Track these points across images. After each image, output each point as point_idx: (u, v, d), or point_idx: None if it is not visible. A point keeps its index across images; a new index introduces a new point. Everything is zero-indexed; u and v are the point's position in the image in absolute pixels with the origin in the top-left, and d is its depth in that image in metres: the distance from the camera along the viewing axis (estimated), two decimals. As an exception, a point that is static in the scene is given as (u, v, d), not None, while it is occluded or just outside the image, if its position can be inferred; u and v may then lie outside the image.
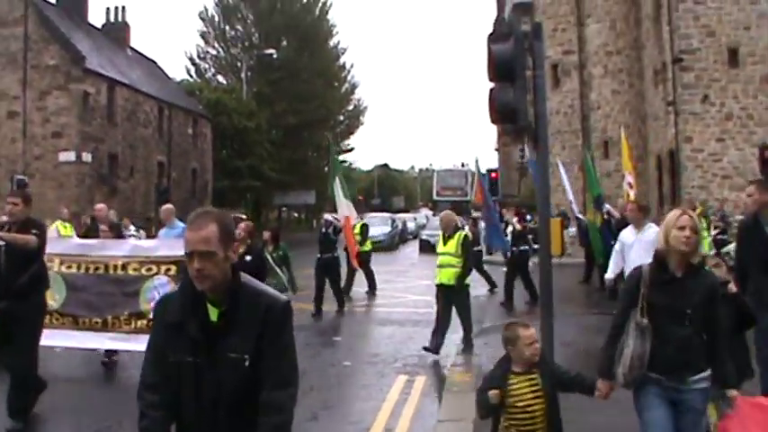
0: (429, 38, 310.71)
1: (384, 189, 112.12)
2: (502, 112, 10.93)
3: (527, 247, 20.35)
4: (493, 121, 11.78)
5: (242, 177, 54.94)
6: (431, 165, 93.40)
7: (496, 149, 76.55)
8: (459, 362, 12.33)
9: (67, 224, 21.10)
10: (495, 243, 21.59)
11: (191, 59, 67.99)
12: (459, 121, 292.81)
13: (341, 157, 77.13)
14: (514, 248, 19.94)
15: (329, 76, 69.86)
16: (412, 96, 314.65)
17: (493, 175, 37.44)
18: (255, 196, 62.22)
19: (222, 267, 3.64)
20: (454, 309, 13.24)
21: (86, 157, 39.04)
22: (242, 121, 55.39)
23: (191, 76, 66.35)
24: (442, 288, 13.25)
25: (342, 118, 75.38)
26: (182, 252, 3.67)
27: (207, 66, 68.48)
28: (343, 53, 73.78)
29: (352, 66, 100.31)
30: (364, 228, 23.31)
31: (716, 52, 33.17)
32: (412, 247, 47.02)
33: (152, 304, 10.62)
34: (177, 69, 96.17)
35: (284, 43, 66.22)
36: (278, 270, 13.63)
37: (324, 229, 19.28)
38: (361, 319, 18.47)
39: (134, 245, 12.41)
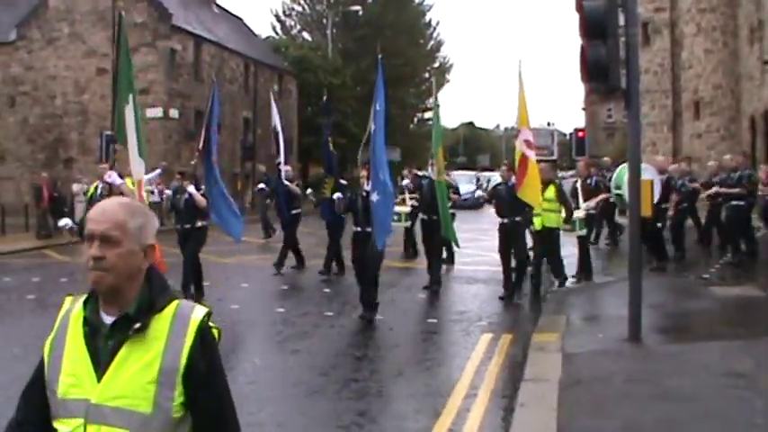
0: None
1: (469, 147, 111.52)
2: (593, 71, 10.73)
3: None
4: (583, 80, 11.53)
5: (326, 134, 55.09)
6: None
7: (583, 109, 75.62)
8: (545, 322, 12.22)
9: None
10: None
11: (276, 16, 68.21)
12: (546, 79, 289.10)
13: (426, 115, 75.95)
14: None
15: (414, 34, 69.52)
16: (499, 54, 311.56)
17: (580, 134, 36.78)
18: (341, 153, 62.21)
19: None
20: None
21: (173, 113, 39.74)
22: (327, 78, 55.51)
23: (276, 33, 66.66)
24: None
25: (427, 75, 74.99)
26: None
27: (292, 22, 68.65)
28: (428, 10, 73.39)
29: (437, 23, 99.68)
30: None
31: (817, 8, 31.97)
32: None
33: None
34: (263, 26, 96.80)
35: (369, 0, 66.04)
36: None
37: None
38: (447, 277, 17.63)
39: None
